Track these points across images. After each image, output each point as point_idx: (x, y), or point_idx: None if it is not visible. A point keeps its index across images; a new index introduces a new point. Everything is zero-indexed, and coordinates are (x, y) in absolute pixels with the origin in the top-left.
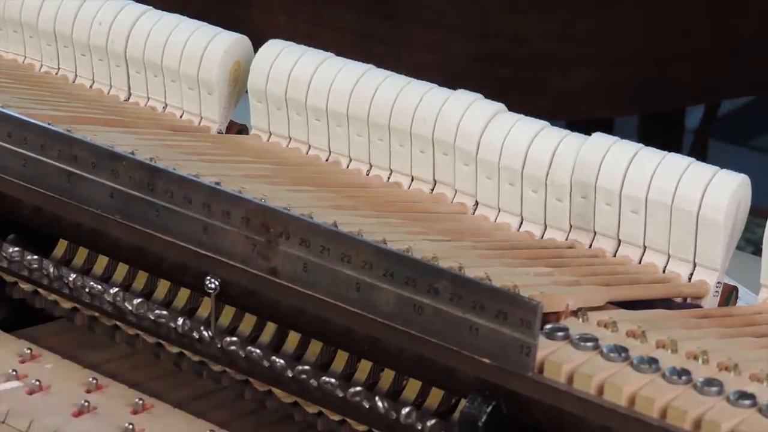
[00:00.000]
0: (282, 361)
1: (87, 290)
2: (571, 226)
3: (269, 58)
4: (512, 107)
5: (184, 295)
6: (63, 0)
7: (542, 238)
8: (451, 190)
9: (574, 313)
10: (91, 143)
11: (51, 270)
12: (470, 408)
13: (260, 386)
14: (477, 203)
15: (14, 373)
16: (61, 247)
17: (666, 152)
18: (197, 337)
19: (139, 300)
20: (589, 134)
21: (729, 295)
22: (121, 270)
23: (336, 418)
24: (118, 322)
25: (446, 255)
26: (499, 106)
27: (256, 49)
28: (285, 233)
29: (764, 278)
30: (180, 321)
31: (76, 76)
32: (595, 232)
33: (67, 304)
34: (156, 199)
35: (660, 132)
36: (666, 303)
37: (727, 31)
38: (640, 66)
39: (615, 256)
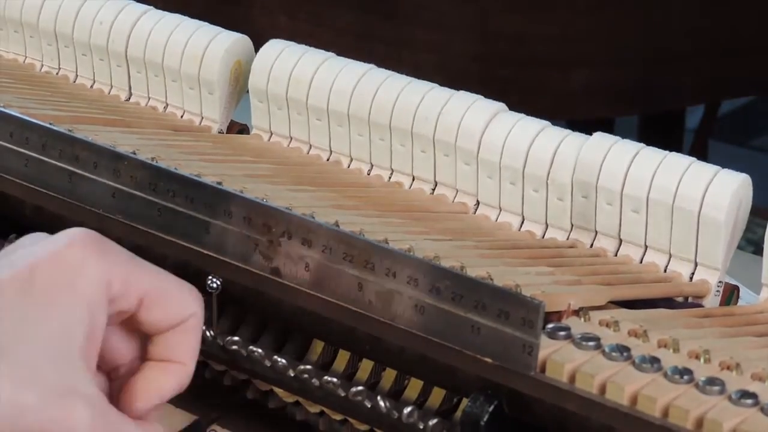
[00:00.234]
0: (284, 361)
1: None
2: (572, 226)
3: (270, 58)
4: (512, 107)
5: None
6: (63, 0)
7: (543, 237)
8: (452, 190)
9: (576, 313)
10: (92, 143)
11: None
12: (472, 407)
13: (262, 386)
14: (478, 203)
15: None
16: None
17: (667, 152)
18: None
19: None
20: (590, 134)
21: (730, 295)
22: None
23: (338, 417)
24: None
25: (448, 254)
26: (500, 106)
27: (256, 50)
28: (287, 233)
29: (765, 278)
30: None
31: (76, 76)
32: (596, 232)
33: None
34: (158, 199)
35: (660, 132)
36: (667, 302)
37: (727, 31)
38: (640, 66)
39: (616, 255)
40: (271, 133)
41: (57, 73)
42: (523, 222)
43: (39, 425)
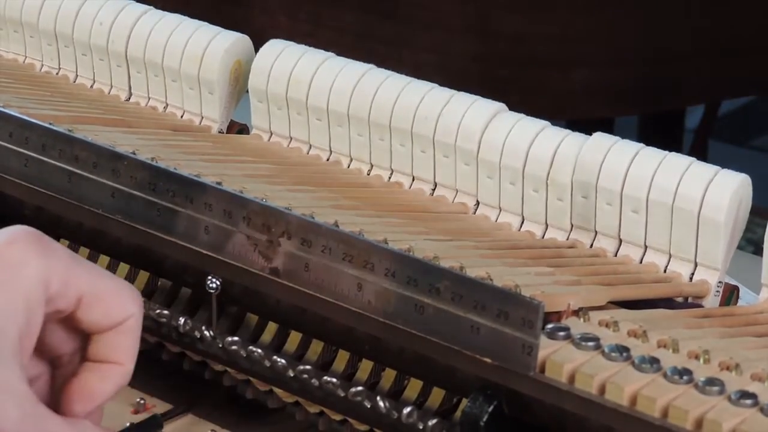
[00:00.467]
0: (283, 361)
1: None
2: (572, 226)
3: (270, 58)
4: (512, 107)
5: (184, 295)
6: (63, 0)
7: (543, 237)
8: (452, 190)
9: (576, 313)
10: (92, 143)
11: None
12: (472, 407)
13: (261, 386)
14: (478, 203)
15: None
16: None
17: (667, 152)
18: (198, 336)
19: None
20: (590, 134)
21: (730, 295)
22: (122, 269)
23: (337, 417)
24: None
25: (447, 254)
26: (500, 106)
27: (256, 50)
28: (286, 233)
29: (765, 278)
30: (181, 321)
31: (76, 75)
32: (596, 232)
33: None
34: (157, 199)
35: (660, 132)
36: (667, 302)
37: (727, 31)
38: (640, 66)
39: (616, 255)
40: (271, 133)
41: (57, 73)
42: (522, 222)
43: None
